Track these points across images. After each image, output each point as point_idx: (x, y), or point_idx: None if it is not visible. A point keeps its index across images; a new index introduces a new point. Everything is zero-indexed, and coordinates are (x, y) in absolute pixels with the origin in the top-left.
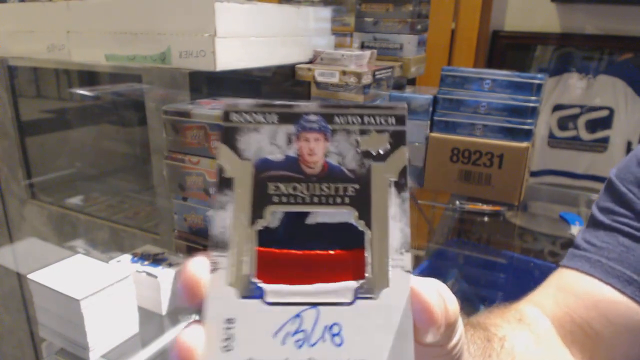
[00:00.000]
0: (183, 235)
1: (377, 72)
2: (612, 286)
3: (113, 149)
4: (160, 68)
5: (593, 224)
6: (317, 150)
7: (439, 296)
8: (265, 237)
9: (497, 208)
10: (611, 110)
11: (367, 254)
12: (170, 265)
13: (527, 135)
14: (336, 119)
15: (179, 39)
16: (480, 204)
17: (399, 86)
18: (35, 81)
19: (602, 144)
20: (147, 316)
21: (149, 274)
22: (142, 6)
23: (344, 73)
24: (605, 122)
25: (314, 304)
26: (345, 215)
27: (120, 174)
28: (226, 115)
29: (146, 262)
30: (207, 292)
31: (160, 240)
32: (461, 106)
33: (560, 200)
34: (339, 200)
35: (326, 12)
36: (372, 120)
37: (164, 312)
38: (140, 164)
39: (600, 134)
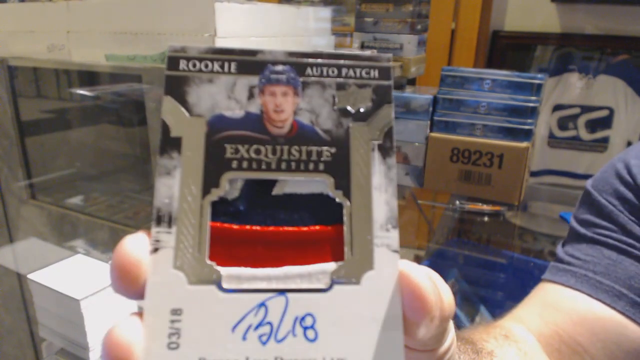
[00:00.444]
0: None
1: None
2: (602, 301)
3: (113, 149)
4: (160, 68)
5: (574, 236)
6: (286, 107)
7: (432, 282)
8: (222, 210)
9: (497, 208)
10: (611, 110)
11: (347, 231)
12: None
13: (527, 135)
14: (308, 70)
15: (179, 39)
16: (480, 204)
17: (399, 86)
18: (35, 81)
19: (602, 144)
20: None
21: None
22: (142, 6)
23: None
24: (605, 122)
25: (282, 291)
26: (320, 184)
27: (120, 174)
28: (172, 62)
29: None
30: (148, 277)
31: None
32: (461, 106)
33: (560, 200)
34: (311, 166)
35: (326, 12)
36: (352, 73)
37: None
38: (140, 164)
39: (600, 134)
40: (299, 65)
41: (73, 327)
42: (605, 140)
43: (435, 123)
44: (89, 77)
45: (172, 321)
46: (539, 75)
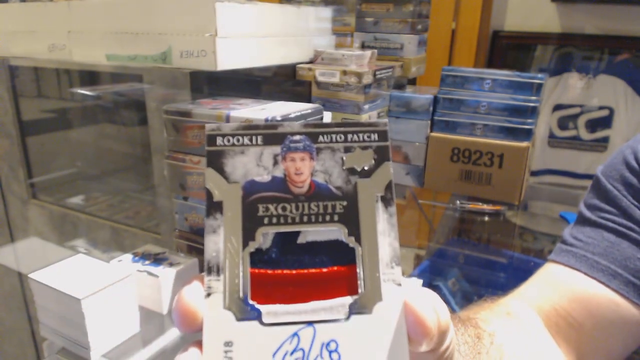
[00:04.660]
0: (184, 234)
1: (377, 72)
2: (597, 280)
3: (114, 148)
4: (161, 68)
5: (581, 220)
6: (304, 170)
7: (432, 309)
8: (258, 259)
9: (497, 208)
10: (611, 110)
11: (359, 270)
12: (171, 264)
13: (527, 135)
14: (320, 137)
15: (180, 38)
16: (480, 204)
17: (399, 86)
18: (36, 81)
19: (602, 144)
20: (148, 316)
21: (150, 274)
22: (143, 6)
23: (344, 73)
24: (605, 122)
25: (310, 322)
26: (335, 232)
27: (121, 174)
28: (210, 139)
29: (147, 262)
30: (204, 317)
31: (161, 239)
32: (461, 106)
33: (560, 200)
34: (328, 218)
35: (327, 12)
36: (356, 137)
37: (164, 312)
38: (141, 164)
39: (600, 134)
40: (313, 135)
41: (74, 327)
42: (605, 140)
43: (435, 123)
44: (89, 77)
45: (226, 351)
46: (539, 75)
